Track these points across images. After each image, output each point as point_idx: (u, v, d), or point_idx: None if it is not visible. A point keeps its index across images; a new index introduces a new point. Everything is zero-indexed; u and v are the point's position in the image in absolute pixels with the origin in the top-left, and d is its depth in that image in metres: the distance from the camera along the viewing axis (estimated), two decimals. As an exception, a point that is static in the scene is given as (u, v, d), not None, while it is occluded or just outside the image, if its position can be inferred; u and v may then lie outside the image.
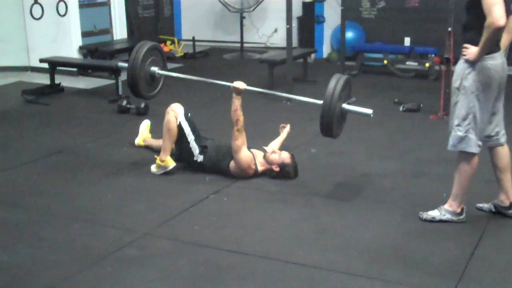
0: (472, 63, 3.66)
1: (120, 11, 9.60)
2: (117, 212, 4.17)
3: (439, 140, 5.68)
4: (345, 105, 4.18)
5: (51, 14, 8.17)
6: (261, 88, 5.00)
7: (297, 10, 9.55)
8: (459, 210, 3.91)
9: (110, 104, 7.00)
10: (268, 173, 4.74)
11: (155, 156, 4.85)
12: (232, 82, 4.61)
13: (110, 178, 4.80)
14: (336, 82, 4.10)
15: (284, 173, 4.69)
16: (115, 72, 7.34)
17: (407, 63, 8.73)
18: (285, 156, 4.71)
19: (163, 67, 4.88)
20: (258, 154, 4.77)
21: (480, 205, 4.12)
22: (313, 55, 9.47)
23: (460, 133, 3.74)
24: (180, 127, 4.74)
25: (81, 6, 8.88)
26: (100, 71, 8.17)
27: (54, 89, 7.70)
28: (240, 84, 4.52)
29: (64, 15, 8.25)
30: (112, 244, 3.69)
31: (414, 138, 5.81)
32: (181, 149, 4.85)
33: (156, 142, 5.22)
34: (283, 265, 3.45)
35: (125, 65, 4.91)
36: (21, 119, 6.60)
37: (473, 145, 3.73)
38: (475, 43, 3.62)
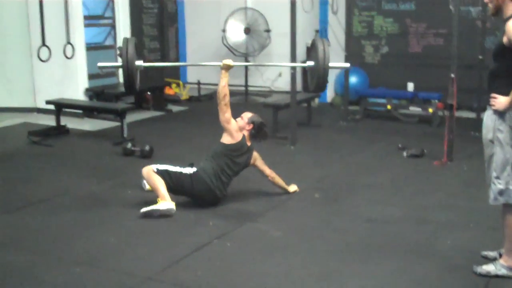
0: (501, 114, 3.60)
1: (126, 54, 9.72)
2: (119, 256, 4.16)
3: (442, 186, 5.70)
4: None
5: (58, 56, 8.30)
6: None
7: (301, 55, 9.64)
8: None
9: (114, 147, 7.04)
10: (250, 136, 5.21)
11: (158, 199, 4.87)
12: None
13: (113, 221, 4.80)
14: (323, 45, 4.82)
15: (257, 125, 5.21)
16: (120, 114, 7.41)
17: (410, 108, 8.78)
18: (247, 114, 5.28)
19: (142, 60, 5.14)
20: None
21: (485, 253, 4.06)
22: (317, 100, 9.54)
23: (501, 186, 3.65)
24: (159, 171, 4.96)
25: (88, 48, 9.04)
26: (105, 113, 8.25)
27: (60, 130, 7.79)
28: (229, 62, 5.10)
29: (71, 57, 8.38)
30: (114, 289, 3.66)
31: (418, 184, 5.80)
32: (177, 184, 4.98)
33: None
34: (286, 313, 3.42)
35: (114, 64, 5.03)
36: (27, 161, 6.63)
37: None
38: (503, 92, 3.57)
